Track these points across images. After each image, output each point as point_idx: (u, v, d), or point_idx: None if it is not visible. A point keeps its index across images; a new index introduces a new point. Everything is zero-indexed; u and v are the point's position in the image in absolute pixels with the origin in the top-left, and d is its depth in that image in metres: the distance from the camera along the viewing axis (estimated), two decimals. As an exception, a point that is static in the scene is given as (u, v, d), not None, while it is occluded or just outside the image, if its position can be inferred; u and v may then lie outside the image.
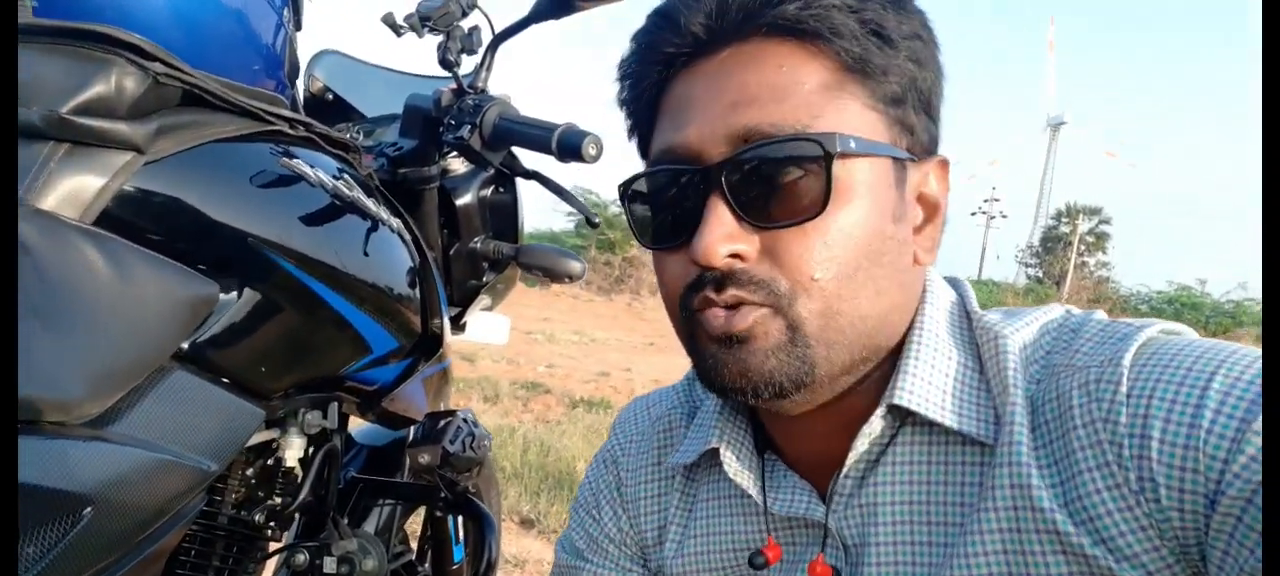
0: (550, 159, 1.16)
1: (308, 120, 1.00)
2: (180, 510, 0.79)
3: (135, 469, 0.73)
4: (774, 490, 0.71)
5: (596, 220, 1.30)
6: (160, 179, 0.79)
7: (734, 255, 0.61)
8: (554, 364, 8.52)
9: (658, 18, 0.66)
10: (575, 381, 7.56)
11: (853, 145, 0.59)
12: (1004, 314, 0.67)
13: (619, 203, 0.71)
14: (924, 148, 0.66)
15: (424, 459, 1.15)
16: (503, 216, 1.49)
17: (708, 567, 0.76)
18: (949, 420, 0.62)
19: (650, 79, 0.67)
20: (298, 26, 1.03)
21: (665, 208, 0.66)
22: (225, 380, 0.85)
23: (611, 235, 18.49)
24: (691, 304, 0.64)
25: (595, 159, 1.10)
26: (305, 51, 1.29)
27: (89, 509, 0.67)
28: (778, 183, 0.59)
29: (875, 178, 0.61)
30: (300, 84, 1.49)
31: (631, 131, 0.73)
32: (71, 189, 0.73)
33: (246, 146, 0.90)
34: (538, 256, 1.39)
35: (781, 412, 0.66)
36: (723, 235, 0.60)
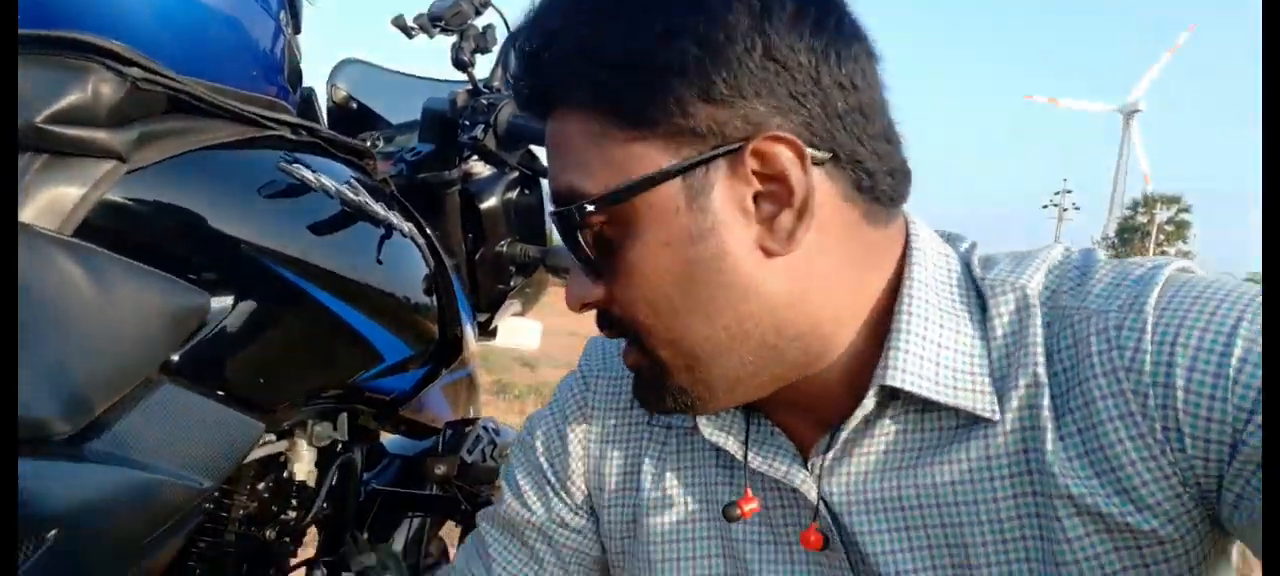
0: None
1: (313, 125, 0.98)
2: (170, 529, 0.77)
3: (116, 488, 0.71)
4: (757, 446, 0.69)
5: None
6: (145, 187, 0.77)
7: (586, 305, 0.64)
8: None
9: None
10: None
11: (590, 207, 0.59)
12: (1011, 262, 0.64)
13: None
14: (730, 136, 0.57)
15: (441, 469, 1.11)
16: (528, 219, 1.45)
17: (682, 519, 0.73)
18: (944, 397, 0.60)
19: None
20: (296, 29, 1.01)
21: None
22: (220, 393, 0.83)
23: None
24: None
25: None
26: (317, 56, 1.27)
27: (54, 531, 0.65)
28: (580, 243, 0.61)
29: (653, 211, 0.58)
30: (322, 94, 1.48)
31: None
32: (49, 200, 0.71)
33: (242, 153, 0.88)
34: (565, 258, 1.35)
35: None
36: (579, 287, 0.64)
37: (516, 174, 1.41)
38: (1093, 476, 0.56)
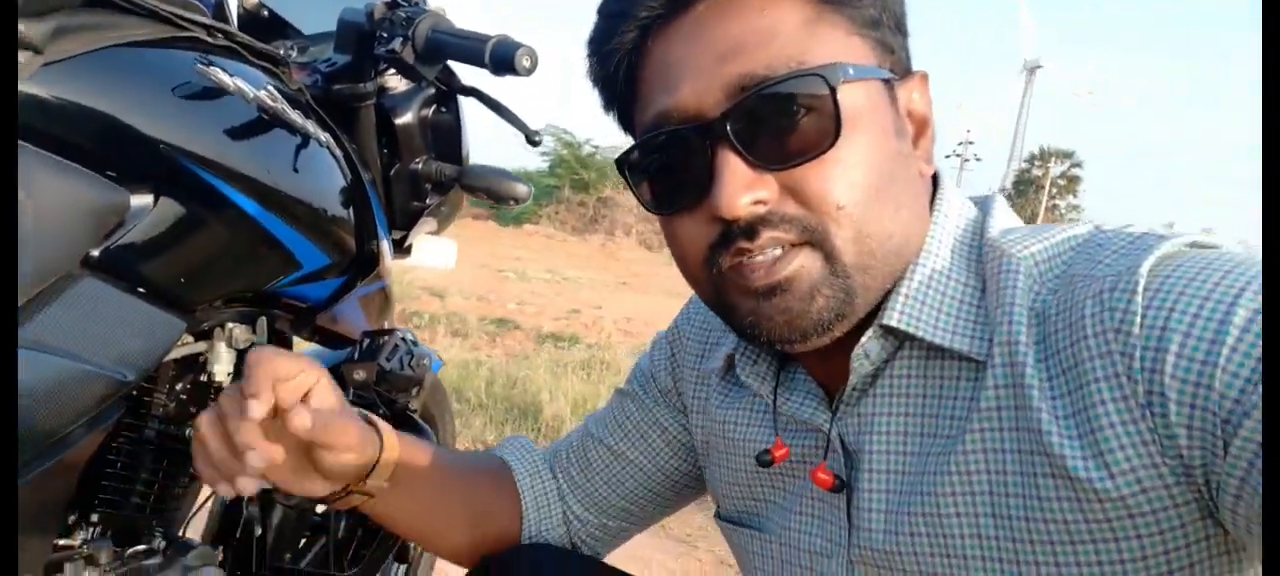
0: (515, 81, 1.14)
1: (229, 28, 0.97)
2: (91, 420, 0.79)
3: (37, 376, 0.72)
4: (787, 392, 0.74)
5: (537, 137, 1.28)
6: (62, 81, 0.77)
7: (757, 202, 0.61)
8: (524, 301, 8.50)
9: None
10: (545, 318, 7.57)
11: (851, 72, 0.60)
12: (1026, 231, 0.66)
13: (617, 171, 0.71)
14: (903, 66, 0.67)
15: (359, 375, 1.15)
16: (445, 137, 1.46)
17: (729, 465, 0.82)
18: (939, 337, 0.63)
19: (624, 48, 0.67)
20: (211, -71, 1.00)
21: (670, 172, 0.66)
22: (140, 289, 0.84)
23: (586, 175, 18.36)
24: (720, 262, 0.64)
25: (530, 71, 1.08)
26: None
27: None
28: (785, 122, 0.59)
29: (872, 100, 0.62)
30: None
31: (609, 105, 0.74)
32: None
33: (159, 52, 0.87)
34: (482, 179, 1.37)
35: (807, 349, 0.66)
36: (742, 184, 0.60)
37: (433, 91, 1.41)
38: (1074, 437, 0.56)
